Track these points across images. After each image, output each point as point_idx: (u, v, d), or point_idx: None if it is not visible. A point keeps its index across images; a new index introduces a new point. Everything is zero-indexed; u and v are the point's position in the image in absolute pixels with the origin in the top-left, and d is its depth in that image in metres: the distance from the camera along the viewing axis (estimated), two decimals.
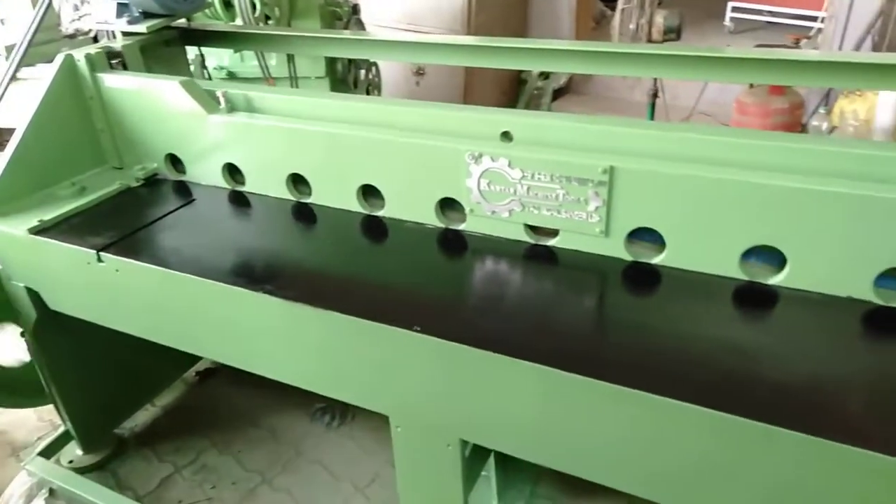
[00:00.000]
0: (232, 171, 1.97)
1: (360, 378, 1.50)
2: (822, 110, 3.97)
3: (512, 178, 1.56)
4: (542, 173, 1.52)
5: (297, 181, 1.89)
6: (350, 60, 3.54)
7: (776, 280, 1.40)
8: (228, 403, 2.61)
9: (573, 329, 1.36)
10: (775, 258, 1.39)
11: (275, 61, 3.25)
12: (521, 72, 5.23)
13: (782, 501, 1.12)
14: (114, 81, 2.00)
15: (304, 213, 1.86)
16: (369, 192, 1.81)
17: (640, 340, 1.31)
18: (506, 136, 1.61)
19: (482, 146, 1.56)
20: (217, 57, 3.29)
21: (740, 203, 1.35)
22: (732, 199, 1.35)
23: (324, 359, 1.53)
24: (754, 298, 1.39)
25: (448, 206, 1.72)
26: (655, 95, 3.99)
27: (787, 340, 1.28)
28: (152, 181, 2.06)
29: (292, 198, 1.90)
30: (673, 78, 1.99)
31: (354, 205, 1.81)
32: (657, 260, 1.50)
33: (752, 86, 4.13)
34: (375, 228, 1.77)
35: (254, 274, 1.60)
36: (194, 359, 2.81)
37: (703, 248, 1.43)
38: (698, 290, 1.43)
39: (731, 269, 1.43)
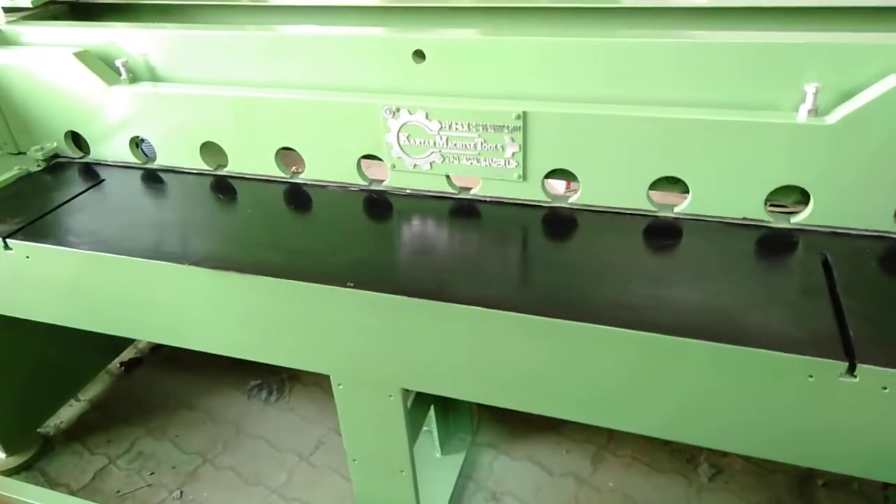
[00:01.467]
0: (141, 145, 1.90)
1: (297, 341, 1.50)
2: None
3: (430, 131, 1.59)
4: (459, 123, 1.55)
5: (212, 151, 1.85)
6: None
7: (680, 209, 1.50)
8: (159, 390, 2.54)
9: (499, 272, 1.41)
10: (680, 188, 1.50)
11: None
12: None
13: (694, 407, 1.22)
14: None
15: (222, 184, 1.83)
16: (288, 156, 1.80)
17: (561, 276, 1.38)
18: (418, 54, 1.61)
19: (398, 100, 1.58)
20: None
21: (644, 138, 1.43)
22: (637, 134, 1.43)
23: (258, 326, 1.52)
24: (662, 229, 1.49)
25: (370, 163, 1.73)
26: None
27: (692, 264, 1.39)
28: (55, 164, 1.96)
29: (208, 168, 1.86)
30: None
31: (273, 170, 1.80)
32: (573, 200, 1.58)
33: None
34: (297, 193, 1.76)
35: (176, 248, 1.56)
36: (118, 349, 2.71)
37: (614, 185, 1.51)
38: (612, 225, 1.52)
39: (641, 202, 1.52)
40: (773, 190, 1.40)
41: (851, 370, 1.05)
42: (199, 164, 1.85)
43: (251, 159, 1.80)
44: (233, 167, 1.83)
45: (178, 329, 1.64)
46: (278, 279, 1.39)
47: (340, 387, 1.52)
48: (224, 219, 1.73)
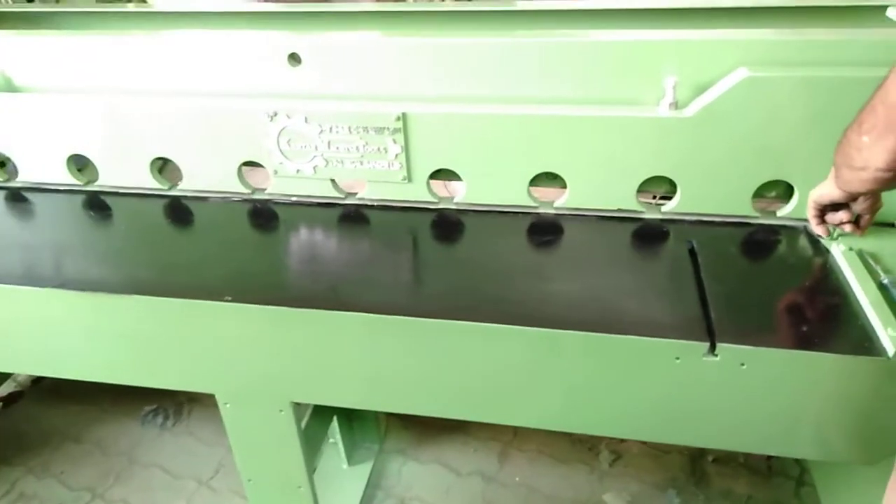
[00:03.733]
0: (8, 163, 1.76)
1: (177, 361, 1.42)
2: None
3: (311, 134, 1.56)
4: (339, 126, 1.53)
5: (81, 164, 1.74)
6: None
7: (560, 203, 1.54)
8: (42, 425, 2.36)
9: (385, 277, 1.39)
10: (559, 183, 1.54)
11: None
12: None
13: (579, 396, 1.25)
14: None
15: (94, 200, 1.72)
16: (164, 165, 1.72)
17: (448, 277, 1.38)
18: (294, 58, 1.57)
19: (276, 103, 1.54)
20: None
21: (521, 135, 1.45)
22: (514, 132, 1.45)
23: (135, 348, 1.43)
24: (543, 223, 1.53)
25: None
26: None
27: (571, 257, 1.43)
28: None
29: (78, 184, 1.74)
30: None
31: (150, 182, 1.71)
32: (458, 199, 1.59)
33: None
34: (174, 205, 1.68)
35: (43, 272, 1.45)
36: None
37: (497, 182, 1.53)
38: (495, 223, 1.54)
39: (522, 198, 1.55)
40: (644, 181, 1.46)
41: (712, 350, 1.11)
42: (69, 180, 1.74)
43: (124, 172, 1.71)
44: (104, 181, 1.73)
45: (49, 358, 1.52)
46: (150, 297, 1.32)
47: (227, 405, 1.47)
48: (96, 237, 1.63)
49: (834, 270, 1.28)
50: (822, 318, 1.18)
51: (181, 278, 1.40)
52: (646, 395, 1.20)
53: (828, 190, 1.19)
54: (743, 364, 1.10)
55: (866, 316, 1.14)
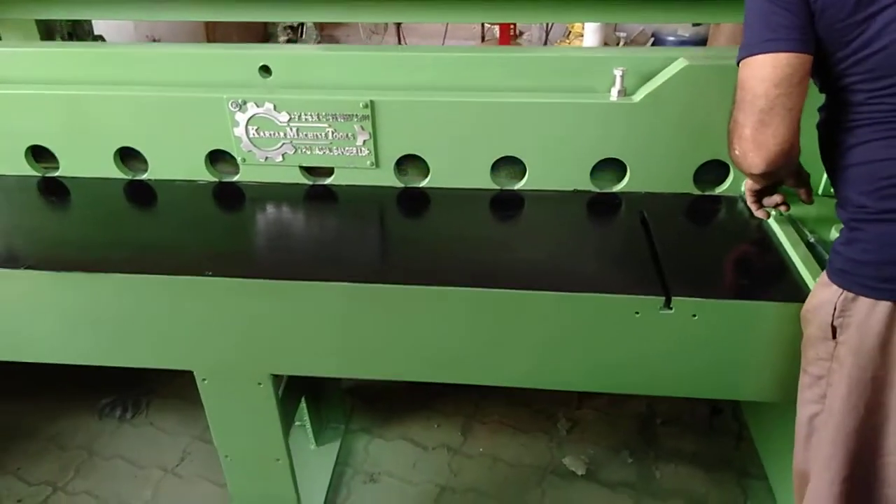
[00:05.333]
0: None
1: (154, 340, 1.45)
2: None
3: (280, 122, 1.60)
4: (308, 113, 1.58)
5: (41, 154, 1.73)
6: (70, 32, 3.18)
7: (520, 185, 1.64)
8: None
9: (357, 250, 1.46)
10: (519, 167, 1.64)
11: None
12: (268, 38, 5.14)
13: (546, 354, 1.35)
14: None
15: (53, 188, 1.71)
16: (129, 156, 1.72)
17: (418, 250, 1.47)
18: (265, 70, 1.62)
19: (244, 93, 1.58)
20: None
21: (484, 122, 1.55)
22: (477, 119, 1.55)
23: (109, 329, 1.44)
24: (505, 203, 1.62)
25: (219, 158, 1.71)
26: None
27: (533, 229, 1.54)
28: None
29: (35, 173, 1.73)
30: (413, 21, 2.15)
31: (113, 171, 1.71)
32: (424, 183, 1.67)
33: (483, 40, 4.57)
34: (140, 192, 1.70)
35: (7, 255, 1.44)
36: None
37: (461, 167, 1.62)
38: (461, 203, 1.62)
39: (485, 181, 1.64)
40: (598, 162, 1.58)
41: (668, 303, 1.23)
42: (25, 170, 1.72)
43: (87, 162, 1.70)
44: (65, 171, 1.72)
45: (19, 342, 1.50)
46: (126, 275, 1.34)
47: (206, 381, 1.49)
48: (60, 221, 1.62)
49: (768, 233, 1.43)
50: (760, 272, 1.33)
51: (154, 258, 1.42)
52: (609, 349, 1.32)
53: (751, 182, 1.35)
54: (695, 315, 1.23)
55: (797, 269, 1.29)
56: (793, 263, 1.31)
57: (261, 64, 1.61)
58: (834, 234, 1.38)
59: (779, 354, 1.27)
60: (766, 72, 1.04)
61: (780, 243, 1.38)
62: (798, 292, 1.23)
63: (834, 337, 1.10)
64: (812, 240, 1.37)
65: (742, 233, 1.48)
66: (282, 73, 1.62)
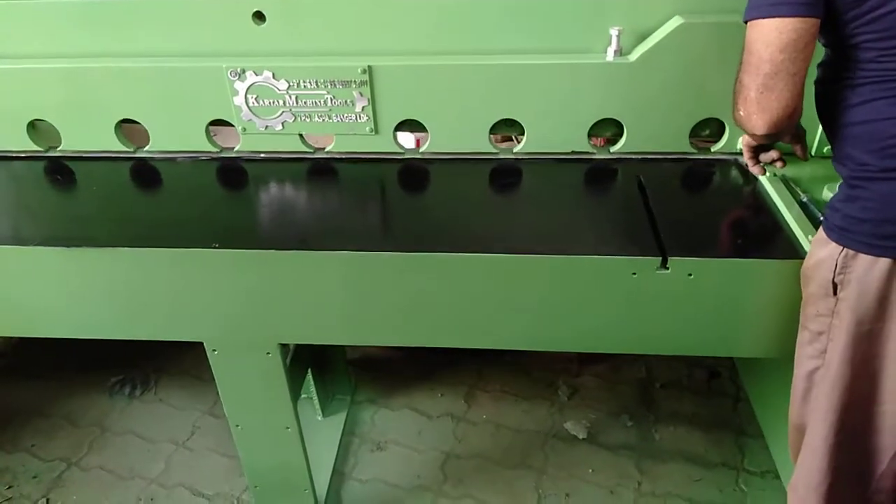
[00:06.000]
0: None
1: (164, 312, 1.47)
2: None
3: (279, 90, 1.61)
4: (307, 80, 1.59)
5: (42, 131, 1.74)
6: None
7: (519, 149, 1.66)
8: (5, 402, 2.34)
9: (362, 220, 1.49)
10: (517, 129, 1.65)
11: None
12: None
13: (548, 315, 1.38)
14: None
15: (58, 166, 1.73)
16: (128, 131, 1.74)
17: (418, 217, 1.49)
18: (258, 16, 1.60)
19: (243, 61, 1.58)
20: None
21: (481, 84, 1.56)
22: (474, 81, 1.55)
23: (120, 303, 1.46)
24: (504, 170, 1.64)
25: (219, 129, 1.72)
26: None
27: (532, 195, 1.56)
28: None
29: (39, 150, 1.75)
30: None
31: (115, 144, 1.73)
32: (424, 149, 1.69)
33: None
34: (144, 169, 1.71)
35: (16, 233, 1.47)
36: None
37: (459, 130, 1.64)
38: (462, 169, 1.64)
39: (484, 144, 1.66)
40: (595, 123, 1.60)
41: (664, 263, 1.26)
42: (28, 146, 1.73)
43: (88, 136, 1.72)
44: (67, 146, 1.74)
45: (32, 317, 1.52)
46: (137, 249, 1.36)
47: (216, 352, 1.52)
48: (66, 200, 1.64)
49: (762, 193, 1.46)
50: (754, 232, 1.36)
51: (161, 232, 1.44)
52: (608, 309, 1.34)
53: (748, 138, 1.35)
54: (690, 274, 1.26)
55: (791, 228, 1.32)
56: (786, 222, 1.34)
57: (254, 10, 1.58)
58: (826, 193, 1.41)
59: (773, 311, 1.30)
60: (771, 36, 1.02)
61: (774, 203, 1.40)
62: (791, 250, 1.26)
63: (835, 293, 1.12)
64: (805, 199, 1.39)
65: (736, 194, 1.50)
66: (275, 19, 1.59)
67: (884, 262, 1.06)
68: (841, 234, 1.09)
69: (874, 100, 1.04)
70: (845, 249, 1.09)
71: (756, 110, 1.08)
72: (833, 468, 1.19)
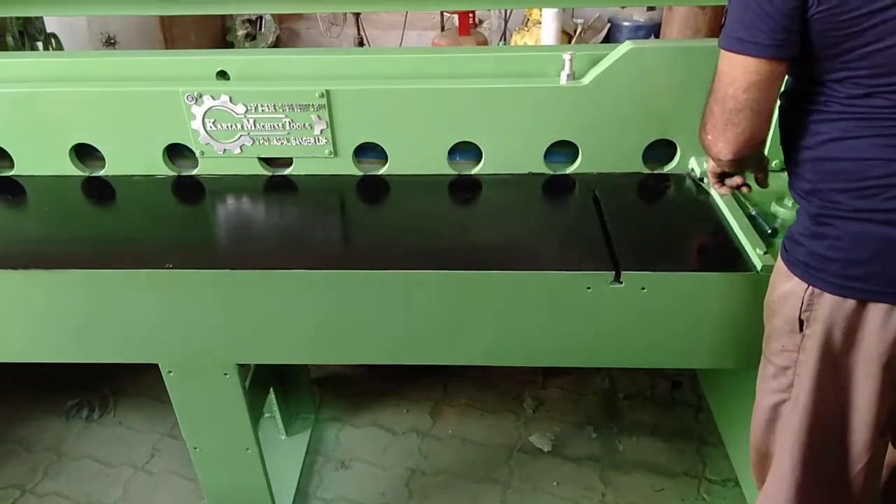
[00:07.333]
0: None
1: (118, 334, 1.45)
2: (501, 44, 4.58)
3: (237, 114, 1.61)
4: (265, 104, 1.59)
5: None
6: (21, 30, 3.12)
7: (477, 170, 1.68)
8: None
9: (319, 237, 1.49)
10: (475, 153, 1.67)
11: None
12: (226, 33, 5.09)
13: (506, 331, 1.40)
14: None
15: (8, 186, 1.69)
16: (85, 153, 1.71)
17: (378, 235, 1.50)
18: (222, 75, 1.64)
19: (200, 86, 1.58)
20: None
21: (439, 108, 1.58)
22: (432, 106, 1.58)
23: (73, 325, 1.44)
24: (463, 187, 1.66)
25: (177, 152, 1.71)
26: (361, 44, 4.24)
27: (491, 212, 1.58)
28: None
29: None
30: (372, 10, 2.16)
31: (69, 169, 1.70)
32: (383, 171, 1.69)
33: (442, 29, 4.58)
34: (99, 188, 1.69)
35: None
36: None
37: (418, 153, 1.65)
38: (421, 189, 1.65)
39: (442, 167, 1.67)
40: (551, 145, 1.62)
41: (617, 278, 1.28)
42: None
43: (42, 160, 1.69)
44: (21, 170, 1.71)
45: None
46: (87, 270, 1.35)
47: (171, 374, 1.50)
48: (16, 220, 1.61)
49: (713, 207, 1.50)
50: (705, 245, 1.40)
51: (115, 252, 1.43)
52: (565, 324, 1.36)
53: (713, 164, 1.31)
54: (644, 288, 1.29)
55: (740, 241, 1.36)
56: (736, 236, 1.37)
57: (218, 69, 1.61)
58: (775, 207, 1.45)
59: (728, 323, 1.33)
60: (736, 73, 1.00)
61: (724, 217, 1.44)
62: (741, 263, 1.30)
63: (801, 329, 1.10)
64: (753, 213, 1.43)
65: (689, 208, 1.54)
66: (239, 76, 1.63)
67: (851, 303, 1.04)
68: (806, 271, 1.07)
69: (855, 137, 0.99)
70: (811, 287, 1.06)
71: (721, 138, 1.06)
72: (800, 499, 1.19)
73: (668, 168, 1.65)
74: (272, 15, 5.13)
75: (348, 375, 2.45)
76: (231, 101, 1.59)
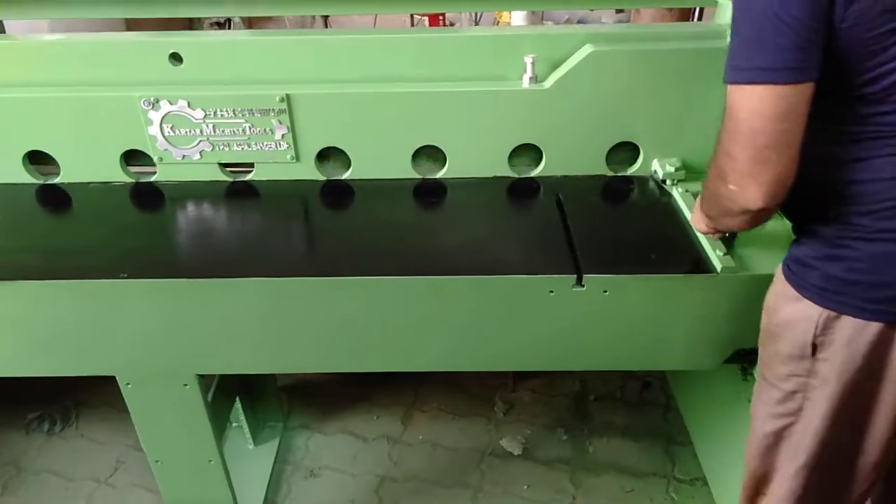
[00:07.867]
0: None
1: (73, 346, 1.41)
2: None
3: (195, 119, 1.58)
4: (224, 109, 1.56)
5: None
6: None
7: (441, 174, 1.66)
8: None
9: (281, 244, 1.46)
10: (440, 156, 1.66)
11: None
12: None
13: (469, 335, 1.39)
14: None
15: None
16: (39, 160, 1.67)
17: (341, 241, 1.48)
18: (175, 57, 1.57)
19: (157, 90, 1.55)
20: None
21: (401, 112, 1.56)
22: (394, 109, 1.56)
23: (25, 337, 1.40)
24: (428, 191, 1.64)
25: (135, 158, 1.67)
26: None
27: (455, 216, 1.57)
28: None
29: None
30: (340, 13, 2.14)
31: (22, 176, 1.66)
32: (346, 175, 1.67)
33: None
34: (53, 196, 1.64)
35: None
36: None
37: (381, 157, 1.63)
38: (384, 194, 1.63)
39: (407, 171, 1.66)
40: (515, 148, 1.62)
41: (579, 281, 1.28)
42: None
43: None
44: None
45: None
46: (38, 282, 1.31)
47: (129, 386, 1.47)
48: None
49: (675, 209, 1.50)
50: (666, 247, 1.40)
51: (69, 262, 1.39)
52: (531, 328, 1.36)
53: (709, 228, 1.24)
54: (606, 291, 1.29)
55: (701, 244, 1.36)
56: (697, 238, 1.38)
57: (171, 51, 1.56)
58: None
59: (692, 325, 1.34)
60: (763, 105, 0.90)
61: (686, 219, 1.45)
62: (702, 264, 1.30)
63: (813, 354, 1.05)
64: None
65: (651, 210, 1.54)
66: (193, 61, 1.57)
67: (875, 326, 1.00)
68: (822, 295, 1.02)
69: (881, 156, 0.94)
70: (826, 311, 1.02)
71: (752, 184, 0.94)
72: None
73: (632, 170, 1.65)
74: (241, 18, 5.07)
75: (318, 382, 2.42)
76: (189, 105, 1.56)
